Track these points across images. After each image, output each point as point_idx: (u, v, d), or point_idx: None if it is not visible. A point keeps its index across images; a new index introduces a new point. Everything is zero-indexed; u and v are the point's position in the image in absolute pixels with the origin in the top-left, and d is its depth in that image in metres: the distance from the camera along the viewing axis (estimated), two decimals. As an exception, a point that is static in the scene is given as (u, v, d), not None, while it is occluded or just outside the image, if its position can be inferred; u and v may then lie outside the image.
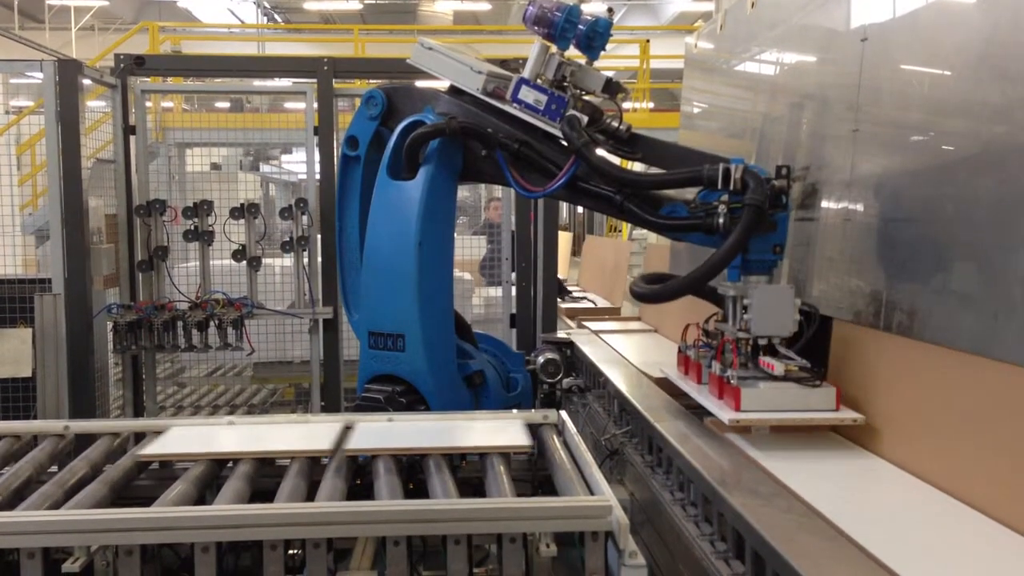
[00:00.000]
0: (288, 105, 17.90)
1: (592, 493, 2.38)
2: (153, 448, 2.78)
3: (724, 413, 3.16)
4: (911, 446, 2.87)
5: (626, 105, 3.84)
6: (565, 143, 3.56)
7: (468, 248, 7.41)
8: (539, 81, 3.61)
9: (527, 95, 3.59)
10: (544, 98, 3.57)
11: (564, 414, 3.09)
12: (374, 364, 3.75)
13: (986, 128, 2.79)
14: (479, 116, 3.72)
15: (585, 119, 3.57)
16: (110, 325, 5.45)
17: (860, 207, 3.49)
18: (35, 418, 4.91)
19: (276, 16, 22.57)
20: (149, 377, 5.74)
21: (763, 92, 4.68)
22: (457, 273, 7.04)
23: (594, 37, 3.53)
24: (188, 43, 15.15)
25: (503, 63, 5.33)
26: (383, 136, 3.97)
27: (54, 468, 2.81)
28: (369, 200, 3.93)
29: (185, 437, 2.91)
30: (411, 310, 3.67)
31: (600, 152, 3.62)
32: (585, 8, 3.58)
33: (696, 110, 5.99)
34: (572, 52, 3.65)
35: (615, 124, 3.70)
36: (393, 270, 3.71)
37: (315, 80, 5.66)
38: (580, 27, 3.51)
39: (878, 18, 3.43)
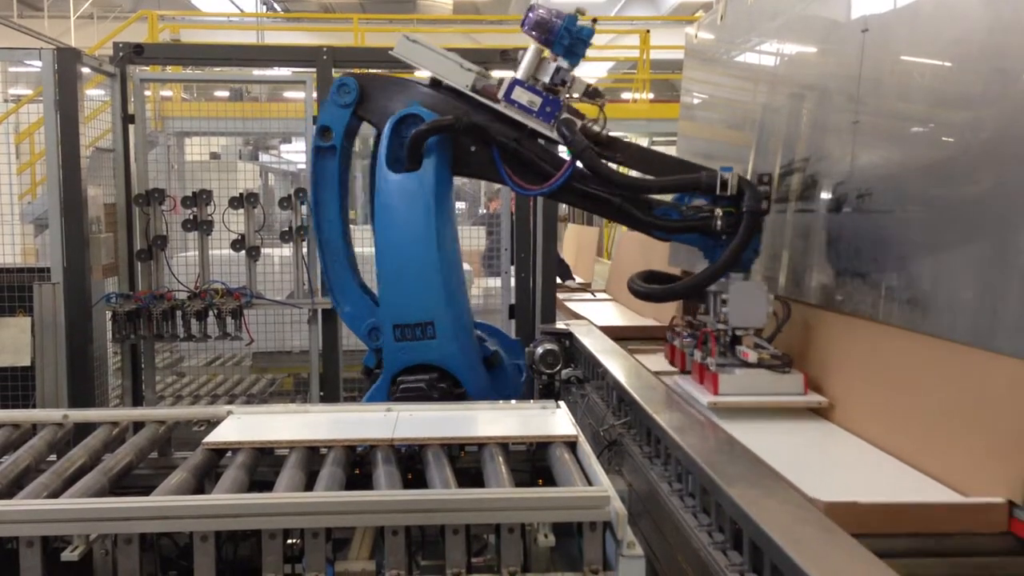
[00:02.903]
0: (287, 94, 17.88)
1: (590, 483, 2.38)
2: (220, 436, 2.77)
3: (704, 396, 3.51)
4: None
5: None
6: (563, 146, 3.69)
7: (467, 239, 7.41)
8: (532, 83, 3.70)
9: (520, 96, 3.68)
10: (538, 100, 3.68)
11: (563, 405, 3.10)
12: (403, 356, 3.78)
13: (986, 120, 2.79)
14: (468, 113, 3.77)
15: (579, 122, 3.68)
16: (109, 314, 5.45)
17: (860, 198, 3.49)
18: (34, 407, 4.92)
19: (276, 5, 22.51)
20: (148, 366, 5.74)
21: (763, 83, 4.67)
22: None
23: (577, 44, 3.65)
24: (187, 32, 15.12)
25: (503, 53, 5.35)
26: (352, 125, 4.00)
27: (53, 457, 2.81)
28: (346, 189, 4.02)
29: (252, 425, 2.92)
30: (438, 297, 3.73)
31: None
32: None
33: (696, 101, 5.98)
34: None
35: (595, 128, 3.76)
36: (414, 261, 3.75)
37: (314, 69, 5.65)
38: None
39: (879, 9, 3.43)
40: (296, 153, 14.87)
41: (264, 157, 14.73)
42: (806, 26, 4.18)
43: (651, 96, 14.68)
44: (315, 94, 5.64)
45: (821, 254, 3.75)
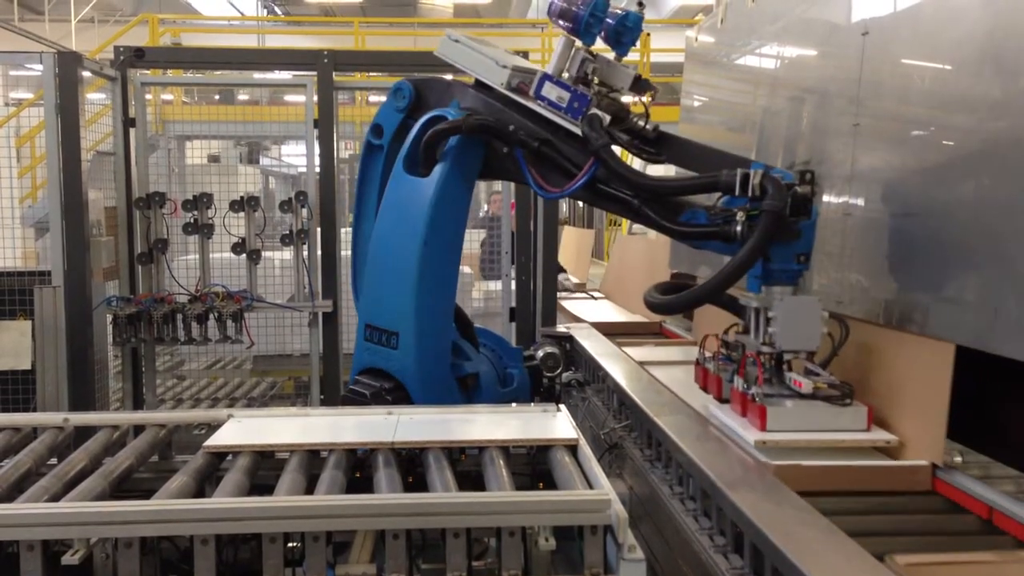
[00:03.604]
0: (288, 98, 17.89)
1: (591, 487, 2.38)
2: (220, 440, 2.76)
3: (749, 433, 3.07)
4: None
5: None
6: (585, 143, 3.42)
7: (468, 242, 7.39)
8: (564, 77, 3.47)
9: (550, 92, 3.44)
10: (567, 95, 3.42)
11: (564, 408, 3.09)
12: (367, 356, 3.74)
13: (986, 122, 2.79)
14: (502, 112, 3.59)
15: (608, 118, 3.43)
16: (110, 318, 5.44)
17: (861, 201, 3.49)
18: (34, 410, 4.92)
19: (276, 8, 22.54)
20: (149, 370, 5.74)
21: (764, 86, 4.67)
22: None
23: (623, 32, 3.40)
24: (188, 35, 15.11)
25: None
26: (410, 127, 3.83)
27: (53, 460, 2.81)
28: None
29: (252, 428, 2.91)
30: (407, 310, 3.62)
31: (618, 153, 3.47)
32: (614, 1, 3.45)
33: (696, 104, 5.98)
34: (603, 47, 3.51)
35: (641, 123, 3.58)
36: (395, 267, 3.67)
37: (315, 73, 5.65)
38: (608, 21, 3.38)
39: (879, 12, 3.43)
40: (297, 157, 14.87)
41: (265, 160, 14.73)
42: (806, 29, 4.18)
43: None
44: (315, 97, 5.64)
45: (822, 257, 3.75)
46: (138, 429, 3.07)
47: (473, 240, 7.52)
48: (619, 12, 3.41)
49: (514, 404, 3.38)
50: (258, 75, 8.89)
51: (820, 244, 3.75)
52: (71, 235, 5.10)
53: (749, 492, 2.52)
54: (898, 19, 3.32)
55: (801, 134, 4.09)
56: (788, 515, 2.35)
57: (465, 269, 7.08)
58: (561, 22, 3.41)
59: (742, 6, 4.96)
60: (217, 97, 14.20)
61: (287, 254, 5.88)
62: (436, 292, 3.71)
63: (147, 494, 2.38)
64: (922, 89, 3.17)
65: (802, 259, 3.17)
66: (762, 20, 4.69)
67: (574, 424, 2.90)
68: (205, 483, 2.59)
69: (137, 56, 5.54)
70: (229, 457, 2.71)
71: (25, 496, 2.39)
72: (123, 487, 2.63)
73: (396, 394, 3.62)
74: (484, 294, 6.81)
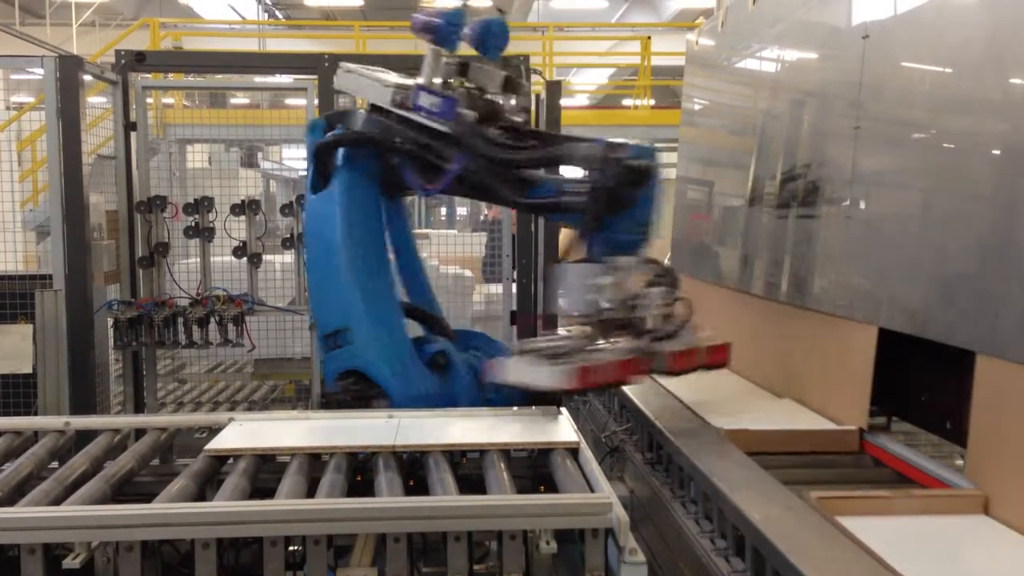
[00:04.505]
0: (289, 101, 17.91)
1: (592, 490, 2.38)
2: (221, 443, 2.78)
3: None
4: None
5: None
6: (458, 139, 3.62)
7: (470, 245, 7.41)
8: (435, 84, 3.70)
9: (424, 100, 3.66)
10: (439, 101, 3.64)
11: (564, 411, 3.10)
12: (332, 364, 3.77)
13: (987, 125, 2.79)
14: (390, 127, 3.76)
15: (473, 115, 3.63)
16: (111, 321, 5.44)
17: (862, 204, 3.49)
18: (35, 414, 4.91)
19: (277, 12, 22.54)
20: (150, 373, 5.73)
21: (764, 89, 4.67)
22: (458, 270, 7.02)
23: (487, 38, 3.63)
24: (189, 39, 15.11)
25: (505, 60, 5.34)
26: None
27: (55, 464, 2.81)
28: None
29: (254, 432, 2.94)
30: (350, 301, 3.71)
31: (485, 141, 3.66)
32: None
33: (697, 107, 5.98)
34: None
35: (518, 119, 3.76)
36: (327, 270, 3.79)
37: (316, 76, 5.65)
38: (467, 30, 3.62)
39: (879, 15, 3.43)
40: (297, 160, 14.89)
41: (266, 164, 14.74)
42: (807, 32, 4.19)
43: (652, 102, 14.70)
44: (316, 100, 5.64)
45: (823, 259, 3.75)
46: (139, 433, 3.08)
47: (475, 243, 7.53)
48: (479, 20, 3.64)
49: (515, 408, 3.38)
50: (259, 79, 8.89)
51: (821, 247, 3.76)
52: (72, 239, 5.10)
53: (751, 495, 2.52)
54: (899, 22, 3.32)
55: (802, 137, 4.10)
56: (790, 518, 2.36)
57: (466, 272, 7.09)
58: (424, 35, 3.66)
59: (742, 9, 4.96)
60: (207, 100, 14.20)
61: (288, 258, 5.88)
62: (372, 279, 3.80)
63: (148, 498, 2.38)
64: (923, 92, 3.17)
65: (642, 230, 3.37)
66: (762, 23, 4.69)
67: (575, 427, 2.90)
68: (206, 487, 2.59)
69: (138, 60, 5.54)
70: (230, 460, 2.72)
71: (26, 500, 2.39)
72: (124, 491, 2.63)
73: (361, 384, 3.63)
74: (485, 297, 6.81)
